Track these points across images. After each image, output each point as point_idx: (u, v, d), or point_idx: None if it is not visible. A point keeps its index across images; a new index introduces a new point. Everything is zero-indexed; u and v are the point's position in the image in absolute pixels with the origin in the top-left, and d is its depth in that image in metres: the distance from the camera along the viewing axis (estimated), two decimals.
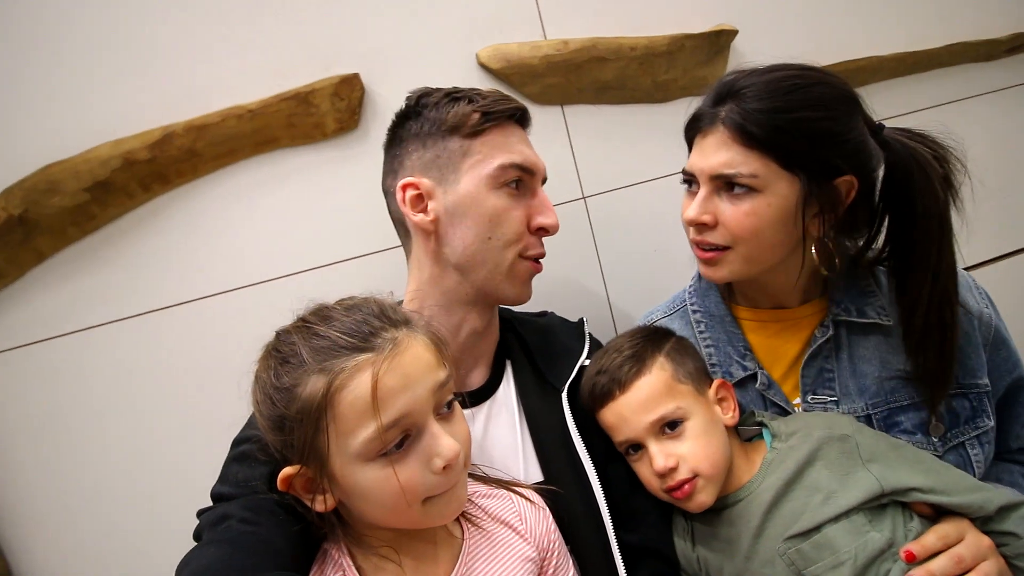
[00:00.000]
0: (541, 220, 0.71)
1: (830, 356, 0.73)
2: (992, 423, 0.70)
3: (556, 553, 0.62)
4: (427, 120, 0.71)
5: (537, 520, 0.62)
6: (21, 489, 0.86)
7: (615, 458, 0.71)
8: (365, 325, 0.51)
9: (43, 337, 0.86)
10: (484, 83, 1.00)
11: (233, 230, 0.91)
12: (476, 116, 0.69)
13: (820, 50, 1.17)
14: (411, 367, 0.51)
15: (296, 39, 0.91)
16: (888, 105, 1.23)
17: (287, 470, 0.51)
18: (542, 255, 0.74)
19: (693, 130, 0.71)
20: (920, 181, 0.66)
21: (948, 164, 0.67)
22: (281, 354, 0.52)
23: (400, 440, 0.50)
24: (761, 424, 0.71)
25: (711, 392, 0.70)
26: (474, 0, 0.98)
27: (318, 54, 0.92)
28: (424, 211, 0.70)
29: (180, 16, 0.87)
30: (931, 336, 0.67)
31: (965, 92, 1.30)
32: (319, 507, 0.52)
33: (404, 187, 0.70)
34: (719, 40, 1.08)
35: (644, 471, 0.67)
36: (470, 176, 0.69)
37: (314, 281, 0.93)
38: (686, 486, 0.64)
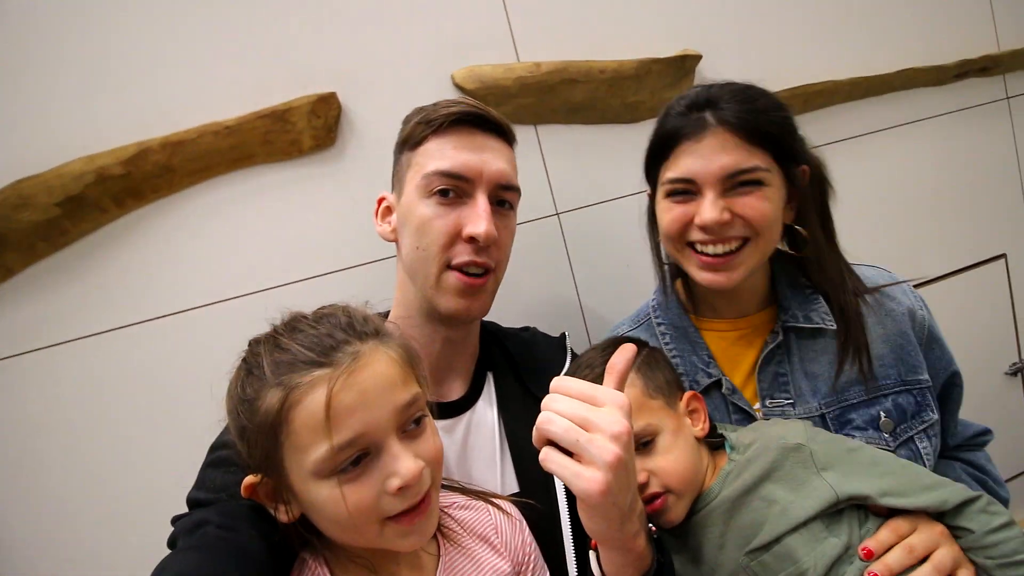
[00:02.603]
0: (469, 229, 0.67)
1: (783, 361, 0.77)
2: (936, 416, 0.74)
3: (532, 567, 0.62)
4: (398, 138, 0.75)
5: (513, 533, 0.62)
6: None
7: None
8: (328, 338, 0.50)
9: (11, 353, 0.84)
10: None
11: (208, 246, 0.91)
12: (419, 127, 0.70)
13: (779, 74, 1.23)
14: (370, 383, 0.49)
15: (274, 57, 0.93)
16: (843, 127, 1.30)
17: (249, 479, 0.51)
18: (470, 264, 0.69)
19: (674, 140, 0.71)
20: (820, 173, 0.77)
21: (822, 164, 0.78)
22: (248, 365, 0.52)
23: (357, 458, 0.48)
24: (722, 436, 0.72)
25: (681, 404, 0.70)
26: (450, 22, 1.02)
27: (296, 72, 0.94)
28: (389, 223, 0.75)
29: (157, 33, 0.88)
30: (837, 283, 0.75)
31: (916, 115, 1.37)
32: (283, 517, 0.52)
33: (378, 200, 0.77)
34: (684, 64, 1.13)
35: None
36: (409, 187, 0.71)
37: (289, 296, 0.94)
38: (657, 501, 0.64)
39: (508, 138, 0.74)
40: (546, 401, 0.49)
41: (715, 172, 0.68)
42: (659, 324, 0.84)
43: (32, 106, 0.84)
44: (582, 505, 0.49)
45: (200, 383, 0.88)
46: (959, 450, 0.82)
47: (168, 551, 0.55)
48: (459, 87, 1.01)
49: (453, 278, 0.68)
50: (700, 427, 0.70)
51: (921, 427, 0.74)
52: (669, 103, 0.75)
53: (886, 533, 0.61)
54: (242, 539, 0.52)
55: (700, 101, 0.70)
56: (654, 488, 0.64)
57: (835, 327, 0.75)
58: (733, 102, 0.68)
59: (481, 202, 0.68)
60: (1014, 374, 1.51)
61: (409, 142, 0.72)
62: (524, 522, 0.64)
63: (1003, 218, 1.50)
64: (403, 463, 0.49)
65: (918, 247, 1.38)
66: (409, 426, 0.52)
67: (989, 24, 1.46)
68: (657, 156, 0.74)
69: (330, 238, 0.96)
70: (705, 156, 0.68)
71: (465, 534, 0.61)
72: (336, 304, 0.56)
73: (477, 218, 0.67)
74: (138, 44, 0.88)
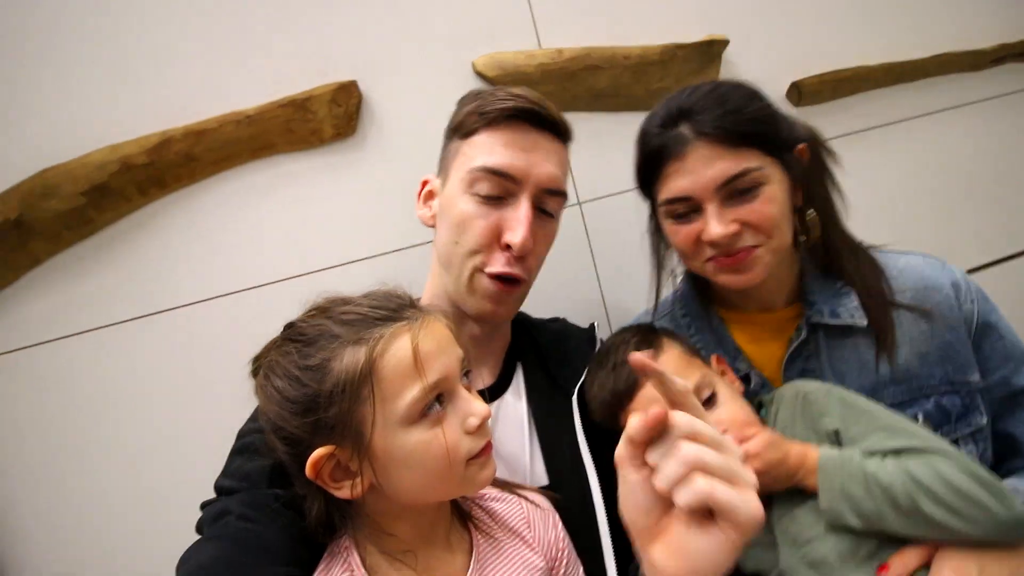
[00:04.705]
0: (507, 236, 0.65)
1: (811, 357, 0.73)
2: (986, 420, 0.69)
3: (565, 561, 0.61)
4: (450, 121, 0.72)
5: (545, 527, 0.61)
6: (13, 494, 0.85)
7: None
8: (389, 302, 0.53)
9: (38, 341, 0.85)
10: None
11: (230, 235, 0.92)
12: (472, 116, 0.67)
13: (808, 59, 1.19)
14: (440, 334, 0.53)
15: (294, 47, 0.93)
16: (875, 114, 1.26)
17: (319, 451, 0.49)
18: (505, 275, 0.67)
19: (658, 162, 0.68)
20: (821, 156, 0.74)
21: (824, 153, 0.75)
22: (306, 336, 0.52)
23: (438, 402, 0.51)
24: (760, 404, 0.72)
25: (714, 365, 0.71)
26: (470, 9, 1.00)
27: (316, 61, 0.93)
28: (430, 207, 0.73)
29: (179, 24, 0.88)
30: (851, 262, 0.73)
31: (951, 102, 1.32)
32: (345, 493, 0.50)
33: (423, 183, 0.75)
34: (711, 50, 1.10)
35: None
36: (453, 178, 0.69)
37: (311, 285, 0.93)
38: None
39: (564, 136, 0.71)
40: (642, 434, 0.40)
41: (708, 184, 0.66)
42: (684, 316, 0.82)
43: (57, 96, 0.85)
44: (736, 535, 0.39)
45: (224, 370, 0.90)
46: None
47: (197, 535, 0.56)
48: (480, 74, 1.00)
49: (486, 281, 0.67)
50: (736, 384, 0.70)
51: (968, 431, 0.68)
52: (643, 122, 0.72)
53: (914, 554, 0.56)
54: (262, 530, 0.52)
55: (673, 113, 0.67)
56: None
57: (864, 324, 0.70)
58: (706, 109, 0.66)
59: (523, 207, 0.66)
60: None
61: (460, 130, 0.69)
62: (556, 515, 0.63)
63: None
64: (476, 403, 0.53)
65: (952, 238, 1.33)
66: (463, 379, 0.55)
67: None
68: (646, 177, 0.72)
69: (352, 227, 0.96)
70: (693, 171, 0.66)
71: (497, 527, 0.60)
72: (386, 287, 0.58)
73: (517, 224, 0.65)
74: (161, 34, 0.88)
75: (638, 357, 0.42)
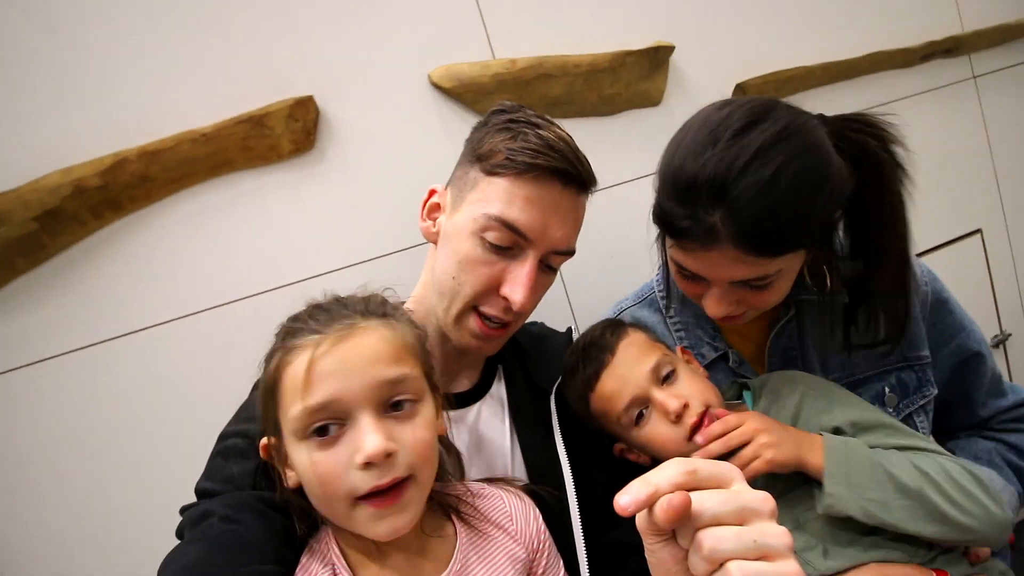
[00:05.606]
0: (507, 291, 0.65)
1: (793, 335, 0.78)
2: (935, 391, 0.76)
3: (546, 553, 0.62)
4: (475, 136, 0.70)
5: (527, 520, 0.63)
6: None
7: (599, 462, 0.74)
8: (337, 311, 0.54)
9: None
10: (437, 102, 1.03)
11: (190, 255, 0.91)
12: (499, 156, 0.64)
13: (751, 62, 1.25)
14: (352, 352, 0.50)
15: (250, 63, 0.93)
16: (815, 111, 1.31)
17: (263, 440, 0.55)
18: (498, 319, 0.67)
19: (679, 234, 0.63)
20: (868, 173, 0.64)
21: (892, 146, 0.66)
22: (279, 330, 0.56)
23: (326, 426, 0.49)
24: (743, 388, 0.75)
25: (679, 354, 0.75)
26: (424, 22, 1.02)
27: (272, 77, 0.94)
28: (434, 221, 0.72)
29: (131, 41, 0.87)
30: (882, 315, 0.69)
31: (885, 97, 1.40)
32: (288, 483, 0.54)
33: (431, 192, 0.73)
34: (658, 55, 1.14)
35: (660, 430, 0.67)
36: (466, 211, 0.66)
37: (273, 302, 0.93)
38: (705, 420, 0.65)
39: (589, 188, 0.70)
40: (672, 517, 0.37)
41: (723, 279, 0.64)
42: (663, 298, 0.85)
43: (5, 119, 0.83)
44: None
45: (186, 392, 0.89)
46: (993, 425, 0.79)
47: (177, 540, 0.56)
48: (436, 86, 1.02)
49: (474, 322, 0.67)
50: (701, 371, 0.74)
51: (921, 403, 0.75)
52: (674, 158, 0.62)
53: None
54: (245, 531, 0.52)
55: (716, 187, 0.57)
56: (698, 409, 0.65)
57: (846, 300, 0.72)
58: (751, 209, 0.56)
59: (528, 266, 0.65)
60: (996, 346, 1.55)
61: (484, 160, 0.66)
62: (537, 510, 0.65)
63: (977, 194, 1.54)
64: (369, 438, 0.48)
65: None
66: (388, 408, 0.51)
67: (952, 5, 1.50)
68: (661, 223, 0.67)
69: (312, 242, 0.96)
70: (712, 263, 0.63)
71: (480, 519, 0.61)
72: (368, 290, 0.59)
73: (518, 283, 0.65)
74: (112, 53, 0.87)
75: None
